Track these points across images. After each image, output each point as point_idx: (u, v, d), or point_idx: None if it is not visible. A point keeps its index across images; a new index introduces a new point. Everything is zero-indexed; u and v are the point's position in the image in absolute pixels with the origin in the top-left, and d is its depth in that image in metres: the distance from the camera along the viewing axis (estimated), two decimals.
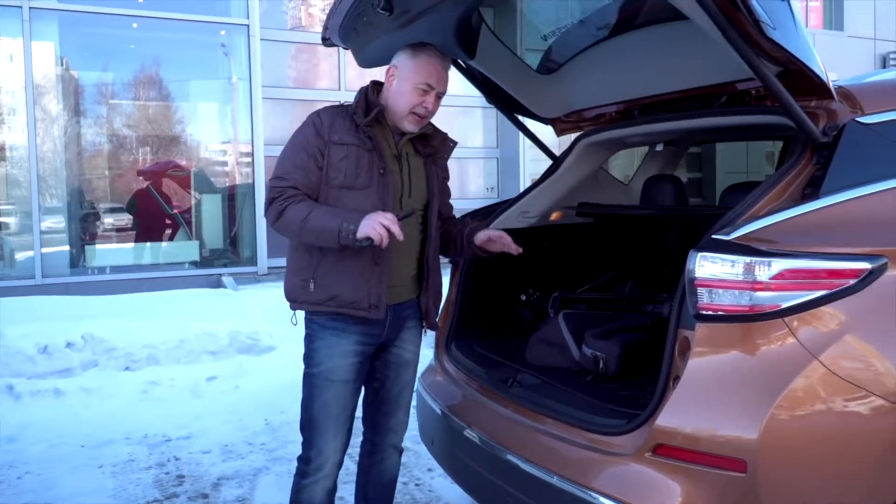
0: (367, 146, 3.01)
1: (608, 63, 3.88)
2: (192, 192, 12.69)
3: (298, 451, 3.18)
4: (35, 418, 5.81)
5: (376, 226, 2.75)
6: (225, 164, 13.54)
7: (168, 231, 12.66)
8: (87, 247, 11.77)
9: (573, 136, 4.38)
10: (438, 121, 3.31)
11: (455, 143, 3.35)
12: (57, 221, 11.52)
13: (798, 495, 2.37)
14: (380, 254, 2.97)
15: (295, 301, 3.11)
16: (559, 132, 4.56)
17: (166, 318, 8.11)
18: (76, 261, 11.56)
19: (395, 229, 2.77)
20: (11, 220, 11.49)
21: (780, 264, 2.38)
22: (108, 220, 12.38)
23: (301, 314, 3.15)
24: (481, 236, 3.27)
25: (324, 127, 3.01)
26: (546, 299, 4.07)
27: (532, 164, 14.01)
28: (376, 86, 3.18)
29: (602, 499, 2.53)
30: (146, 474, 4.84)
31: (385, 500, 3.48)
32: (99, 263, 11.65)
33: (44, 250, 10.96)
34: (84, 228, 11.90)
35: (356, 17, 3.38)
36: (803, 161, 2.71)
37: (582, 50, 3.99)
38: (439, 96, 3.11)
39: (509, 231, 3.38)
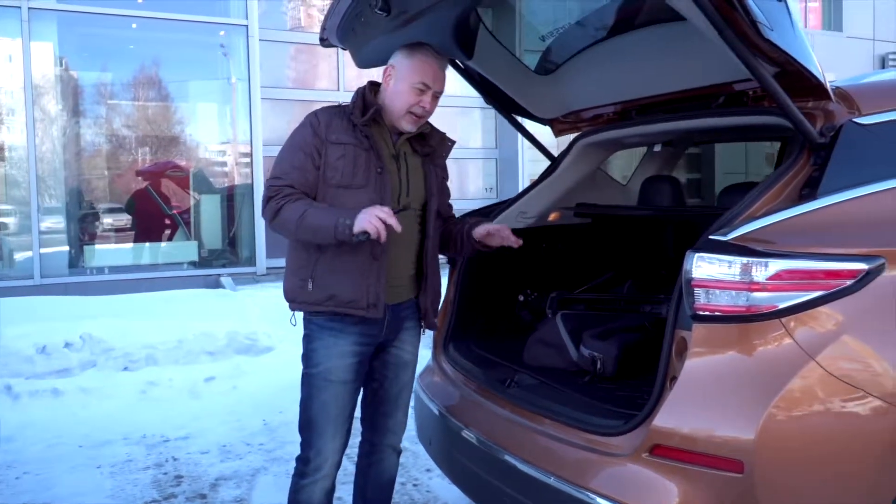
0: (364, 145, 3.01)
1: (606, 64, 3.88)
2: (191, 193, 12.70)
3: (297, 451, 3.18)
4: (33, 418, 5.80)
5: (372, 219, 2.74)
6: (224, 164, 13.56)
7: (167, 231, 12.68)
8: (85, 247, 11.79)
9: (571, 136, 4.37)
10: (437, 121, 3.31)
11: (453, 143, 3.35)
12: (56, 222, 11.54)
13: (795, 496, 2.37)
14: (377, 251, 2.97)
15: (294, 301, 3.11)
16: (557, 133, 4.56)
17: (165, 319, 8.11)
18: (75, 261, 11.58)
19: (392, 221, 2.77)
20: (10, 221, 11.50)
21: (777, 265, 2.38)
22: (107, 221, 12.40)
23: (300, 315, 3.15)
24: (480, 230, 3.28)
25: (321, 127, 3.02)
26: (544, 300, 4.07)
27: (531, 165, 14.03)
28: (373, 86, 3.19)
29: (599, 499, 2.53)
30: (144, 474, 4.84)
31: (383, 501, 3.48)
32: (98, 264, 11.66)
33: (42, 250, 10.97)
34: (83, 229, 11.92)
35: (354, 18, 3.38)
36: (801, 162, 2.71)
37: (580, 50, 3.99)
38: (436, 96, 3.11)
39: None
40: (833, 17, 19.02)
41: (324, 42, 3.71)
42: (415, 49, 3.11)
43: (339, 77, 13.41)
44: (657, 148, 4.93)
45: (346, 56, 3.94)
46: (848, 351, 2.40)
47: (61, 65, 11.97)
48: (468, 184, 14.79)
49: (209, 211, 12.74)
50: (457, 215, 3.52)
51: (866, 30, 19.03)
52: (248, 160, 12.42)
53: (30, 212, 10.88)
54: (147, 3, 11.70)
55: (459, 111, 13.79)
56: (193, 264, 12.22)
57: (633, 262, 4.74)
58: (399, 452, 3.46)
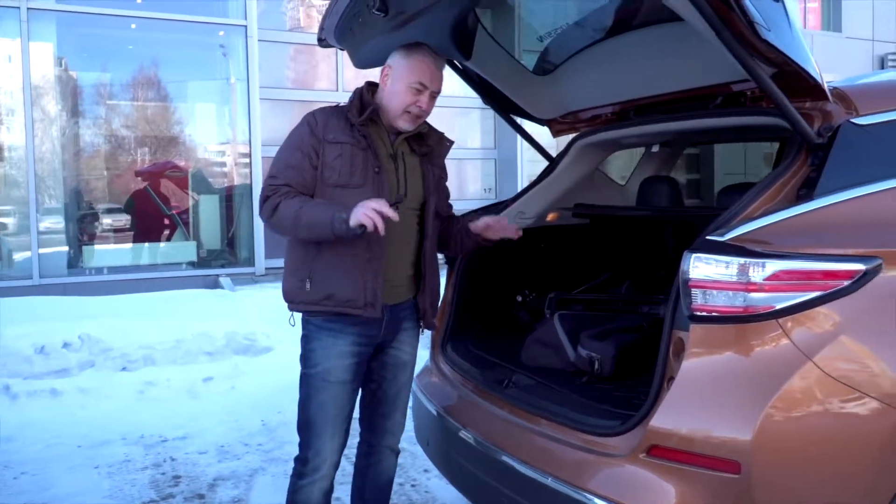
0: (361, 145, 3.02)
1: (604, 64, 3.88)
2: (190, 193, 12.70)
3: (295, 451, 3.18)
4: (32, 418, 5.79)
5: (368, 212, 2.73)
6: (223, 164, 13.57)
7: (166, 231, 12.69)
8: (84, 247, 11.79)
9: (569, 137, 4.37)
10: (436, 121, 3.32)
11: (451, 143, 3.35)
12: (55, 222, 11.54)
13: (792, 496, 2.36)
14: (375, 249, 2.98)
15: (292, 301, 3.11)
16: (555, 133, 4.56)
17: (163, 319, 8.12)
18: (74, 261, 11.59)
19: (388, 211, 2.76)
20: (9, 221, 11.51)
21: (774, 265, 2.38)
22: (106, 221, 12.40)
23: (299, 315, 3.16)
24: (479, 223, 3.29)
25: (318, 126, 3.02)
26: (542, 300, 4.06)
27: (530, 165, 14.03)
28: (371, 86, 3.20)
29: (596, 500, 2.53)
30: (142, 475, 4.84)
31: (381, 501, 3.48)
32: (96, 264, 11.67)
33: (41, 251, 10.98)
34: (82, 229, 11.93)
35: (352, 18, 3.38)
36: (798, 162, 2.71)
37: (578, 51, 3.99)
38: (433, 95, 3.12)
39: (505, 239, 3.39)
40: (832, 17, 19.03)
41: (322, 42, 3.71)
42: (412, 49, 3.12)
43: (338, 77, 13.41)
44: (655, 148, 4.93)
45: (345, 56, 3.94)
46: (845, 351, 2.40)
47: (60, 65, 11.98)
48: (467, 184, 14.80)
49: (208, 211, 12.74)
50: (456, 215, 3.52)
51: (865, 30, 19.04)
52: (247, 160, 12.42)
53: (29, 212, 10.88)
54: (146, 4, 11.70)
55: (458, 111, 13.79)
56: (192, 264, 12.23)
57: (632, 262, 4.74)
58: (397, 453, 3.46)
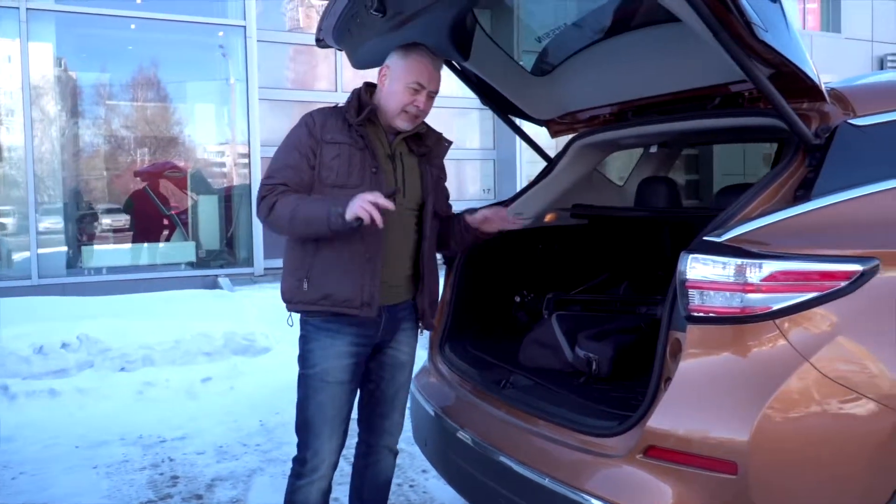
0: (359, 145, 3.02)
1: (602, 65, 3.88)
2: (189, 193, 12.71)
3: (293, 452, 3.18)
4: (30, 419, 5.80)
5: (364, 204, 2.73)
6: (222, 165, 13.57)
7: (165, 232, 12.69)
8: (83, 247, 11.79)
9: (568, 137, 4.37)
10: (435, 122, 3.32)
11: (450, 143, 3.36)
12: (54, 222, 11.55)
13: (789, 497, 2.37)
14: (372, 249, 2.98)
15: (290, 302, 3.11)
16: (553, 134, 4.56)
17: (162, 319, 8.12)
18: (73, 261, 11.59)
19: (384, 201, 2.76)
20: (8, 221, 11.51)
21: (771, 266, 2.38)
22: (105, 221, 12.41)
23: (297, 315, 3.16)
24: (478, 216, 3.28)
25: (316, 126, 3.03)
26: (540, 301, 4.06)
27: (529, 166, 14.04)
28: (369, 87, 3.20)
29: (594, 500, 2.53)
30: (140, 475, 4.84)
31: (379, 502, 3.48)
32: (95, 264, 11.67)
33: (40, 251, 10.98)
34: (81, 229, 11.93)
35: (350, 19, 3.38)
36: (795, 163, 2.71)
37: (576, 52, 3.99)
38: (431, 95, 3.12)
39: (504, 232, 3.38)
40: (831, 18, 19.03)
41: (320, 43, 3.72)
42: (410, 49, 3.12)
43: (337, 78, 13.41)
44: (653, 149, 4.94)
45: (344, 57, 3.95)
46: (842, 352, 2.40)
47: (59, 65, 11.98)
48: (466, 184, 14.81)
49: (207, 211, 12.75)
50: (455, 214, 3.51)
51: (865, 31, 19.05)
52: (246, 161, 12.43)
53: (28, 212, 10.89)
54: (145, 4, 11.70)
55: (457, 112, 13.80)
56: (191, 265, 12.23)
57: (630, 263, 4.74)
58: (396, 453, 3.46)
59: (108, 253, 12.03)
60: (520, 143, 13.79)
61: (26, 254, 11.00)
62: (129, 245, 12.33)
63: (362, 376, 3.23)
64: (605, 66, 3.87)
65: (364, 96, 3.13)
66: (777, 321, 2.37)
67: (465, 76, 4.14)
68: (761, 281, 2.37)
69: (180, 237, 12.61)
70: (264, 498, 4.45)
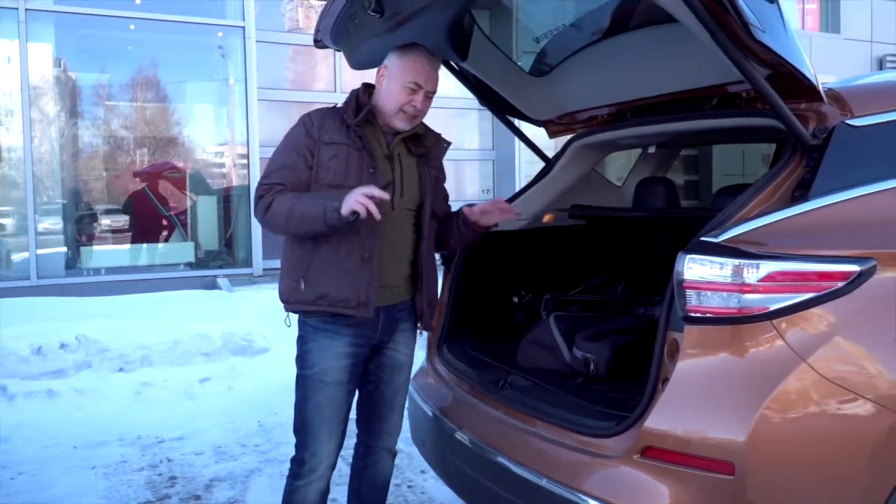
0: (356, 145, 3.02)
1: (600, 65, 3.88)
2: (188, 194, 12.70)
3: (291, 452, 3.18)
4: (28, 419, 5.80)
5: (359, 198, 2.73)
6: (221, 165, 13.57)
7: (164, 232, 12.69)
8: (82, 248, 11.79)
9: (566, 138, 4.38)
10: (434, 122, 3.32)
11: (448, 144, 3.35)
12: (53, 223, 11.55)
13: (787, 498, 2.37)
14: (369, 249, 2.99)
15: (288, 302, 3.11)
16: (552, 134, 4.56)
17: (160, 320, 8.12)
18: (72, 262, 11.59)
19: (379, 193, 2.76)
20: (7, 222, 11.51)
21: (768, 266, 2.38)
22: (104, 222, 12.39)
23: (295, 316, 3.16)
24: (476, 209, 3.26)
25: (314, 127, 3.03)
26: (538, 301, 4.07)
27: (528, 166, 14.03)
28: (368, 87, 3.20)
29: (591, 501, 2.53)
30: (139, 475, 4.84)
31: (378, 502, 3.48)
32: (94, 265, 11.67)
33: (39, 251, 10.98)
34: (80, 230, 11.92)
35: (348, 20, 3.38)
36: (793, 163, 2.71)
37: (574, 52, 3.99)
38: (428, 96, 3.12)
39: (502, 232, 3.38)
40: (831, 18, 19.03)
41: (318, 43, 3.72)
42: (407, 49, 3.13)
43: (336, 79, 13.40)
44: (652, 149, 4.94)
45: (343, 58, 3.95)
46: (839, 353, 2.40)
47: (58, 66, 11.97)
48: (465, 185, 14.80)
49: (206, 212, 12.75)
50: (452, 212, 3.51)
51: (864, 31, 19.04)
52: (245, 161, 12.42)
53: (27, 213, 10.88)
54: (144, 5, 11.70)
55: (456, 112, 13.79)
56: (190, 265, 12.23)
57: (628, 263, 4.74)
58: (394, 454, 3.46)
59: (107, 253, 12.03)
60: (519, 144, 13.73)
61: (25, 254, 11.00)
62: (127, 245, 12.32)
63: (361, 377, 3.23)
64: (604, 67, 3.87)
65: (362, 97, 3.13)
66: (774, 322, 2.37)
67: (463, 77, 4.14)
68: (758, 281, 2.37)
69: (179, 238, 12.60)
70: (262, 498, 4.46)
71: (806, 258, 2.43)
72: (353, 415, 3.26)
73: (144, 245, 12.45)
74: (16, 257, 11.23)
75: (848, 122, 2.78)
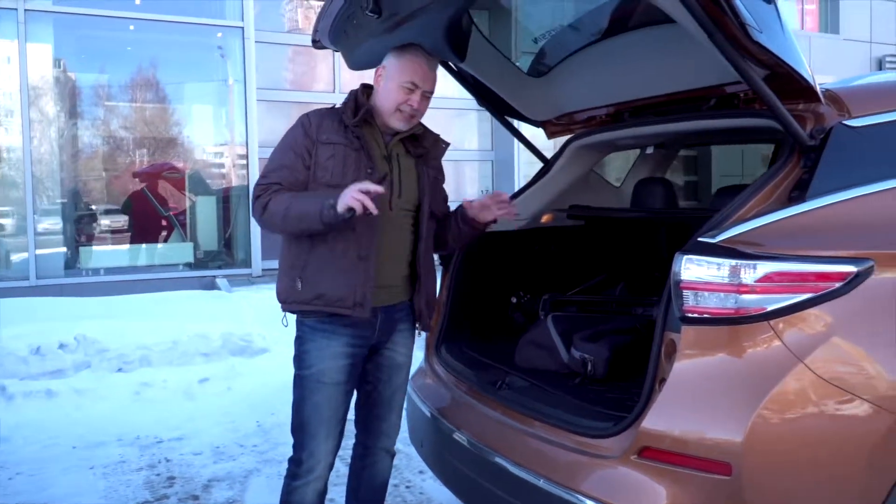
0: (354, 146, 3.03)
1: (598, 66, 3.88)
2: (187, 194, 12.71)
3: (290, 453, 3.18)
4: (27, 419, 5.80)
5: (354, 194, 2.74)
6: (220, 165, 13.57)
7: (163, 233, 12.70)
8: (81, 248, 11.79)
9: (564, 138, 4.38)
10: (434, 123, 3.32)
11: (447, 145, 3.35)
12: (52, 223, 11.55)
13: (783, 498, 2.37)
14: (366, 248, 2.99)
15: (285, 302, 3.12)
16: (550, 135, 4.56)
17: (159, 320, 8.13)
18: (71, 262, 11.60)
19: (373, 187, 2.77)
20: (7, 222, 11.51)
21: (765, 267, 2.38)
22: (103, 222, 12.40)
23: (292, 316, 3.16)
24: (476, 204, 3.25)
25: (312, 127, 3.04)
26: (536, 302, 4.07)
27: (526, 167, 14.03)
28: (366, 88, 3.21)
29: (588, 502, 2.53)
30: (137, 475, 4.84)
31: (376, 503, 3.48)
32: (93, 265, 11.67)
33: (38, 251, 10.99)
34: (79, 230, 11.93)
35: (346, 20, 3.39)
36: (790, 164, 2.71)
37: (572, 53, 4.00)
38: (426, 95, 3.12)
39: (501, 233, 3.38)
40: (830, 19, 19.03)
41: (316, 44, 3.72)
42: (405, 49, 3.14)
43: (335, 79, 13.40)
44: (650, 150, 4.94)
45: (342, 58, 3.95)
46: (836, 353, 2.40)
47: (58, 66, 11.98)
48: (464, 185, 14.81)
49: (205, 212, 12.75)
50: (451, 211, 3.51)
51: (863, 32, 19.04)
52: (244, 162, 12.42)
53: (26, 213, 10.89)
54: (144, 5, 11.71)
55: (456, 113, 13.79)
56: (189, 266, 12.24)
57: (626, 264, 4.74)
58: (393, 455, 3.46)
59: (106, 254, 12.03)
60: (518, 145, 13.69)
61: (24, 254, 11.00)
62: (127, 246, 12.32)
63: (359, 378, 3.24)
64: (602, 68, 3.87)
65: (361, 97, 3.14)
66: (771, 322, 2.37)
67: (461, 77, 4.14)
68: (756, 282, 2.37)
69: (178, 238, 12.61)
70: (261, 499, 4.46)
71: (803, 259, 2.43)
72: (351, 415, 3.25)
73: (143, 245, 12.46)
74: (15, 257, 11.24)
75: (845, 122, 2.78)
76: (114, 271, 11.63)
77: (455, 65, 3.99)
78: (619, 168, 8.79)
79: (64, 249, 11.60)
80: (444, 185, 3.44)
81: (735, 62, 2.56)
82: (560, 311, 3.92)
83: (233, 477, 4.79)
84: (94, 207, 12.35)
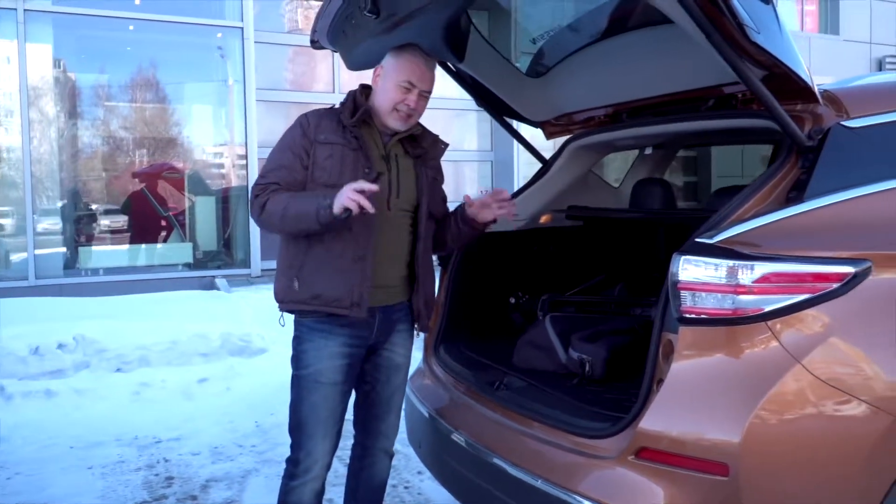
0: (352, 146, 3.03)
1: (597, 66, 3.88)
2: (187, 194, 12.70)
3: (288, 453, 3.18)
4: (26, 419, 5.80)
5: (349, 194, 2.74)
6: (219, 166, 13.56)
7: (162, 233, 12.69)
8: (81, 248, 11.79)
9: (563, 139, 4.38)
10: (433, 123, 3.32)
11: (446, 145, 3.36)
12: (51, 223, 11.54)
13: (781, 499, 2.37)
14: (363, 248, 2.99)
15: (282, 301, 3.12)
16: (549, 135, 4.56)
17: (158, 320, 8.12)
18: (70, 262, 11.59)
19: (368, 186, 2.76)
20: (6, 222, 11.50)
21: (762, 268, 2.38)
22: (103, 222, 12.40)
23: (290, 316, 3.16)
24: (476, 203, 3.25)
25: (310, 127, 3.04)
26: (535, 302, 4.07)
27: (526, 167, 14.01)
28: (365, 89, 3.21)
29: (586, 502, 2.53)
30: (136, 476, 4.84)
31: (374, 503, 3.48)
32: (93, 265, 11.67)
33: (37, 252, 10.99)
34: (78, 230, 11.92)
35: (344, 20, 3.39)
36: (788, 164, 2.71)
37: (571, 53, 4.00)
38: (423, 95, 3.12)
39: (499, 233, 3.37)
40: (830, 20, 19.02)
41: (315, 44, 3.72)
42: (403, 48, 3.14)
43: (334, 79, 13.40)
44: (648, 150, 4.94)
45: (341, 58, 3.95)
46: (834, 354, 2.40)
47: (57, 67, 11.97)
48: (463, 186, 14.79)
49: (204, 213, 12.74)
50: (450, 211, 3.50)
51: (863, 33, 19.04)
52: (243, 162, 12.41)
53: (25, 213, 10.88)
54: (143, 5, 11.70)
55: (455, 113, 13.79)
56: (188, 266, 12.23)
57: (625, 264, 4.74)
58: (391, 456, 3.45)
59: (105, 254, 12.03)
60: (517, 145, 13.74)
61: (24, 254, 11.00)
62: (126, 246, 12.32)
63: (358, 378, 3.24)
64: (600, 68, 3.87)
65: (359, 98, 3.14)
66: (769, 323, 2.37)
67: (460, 77, 4.14)
68: (753, 283, 2.37)
69: (178, 238, 12.60)
70: (259, 499, 4.46)
71: (801, 259, 2.43)
72: (349, 416, 3.25)
73: (143, 245, 12.46)
74: (14, 257, 11.24)
75: (843, 123, 2.78)
76: (113, 271, 11.62)
77: (454, 65, 3.99)
78: (617, 169, 8.79)
79: (63, 249, 11.59)
80: (444, 186, 3.44)
81: (733, 63, 2.56)
82: (558, 311, 3.92)
83: (231, 477, 4.79)
84: (93, 207, 12.34)
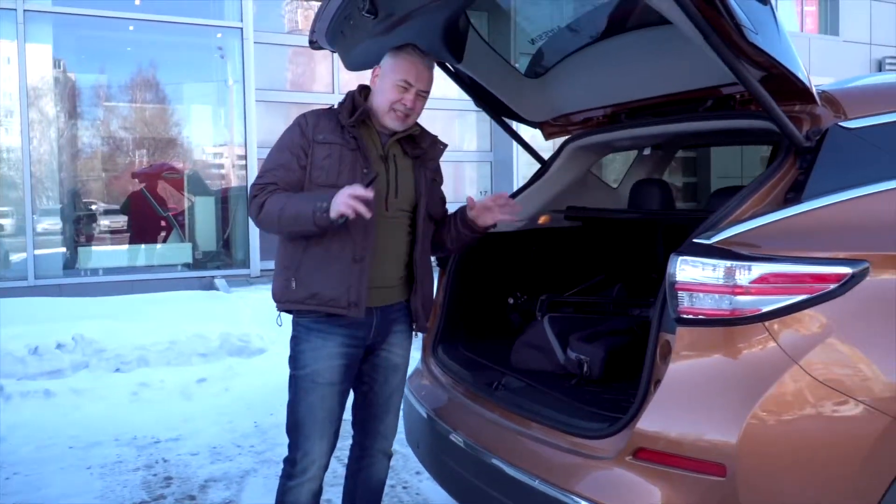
0: (350, 146, 3.03)
1: (595, 67, 3.89)
2: (186, 195, 12.70)
3: (287, 453, 3.18)
4: (25, 419, 5.81)
5: (347, 199, 2.74)
6: (219, 166, 13.57)
7: (161, 233, 12.70)
8: (80, 248, 11.80)
9: (562, 139, 4.38)
10: (432, 124, 3.32)
11: (445, 146, 3.35)
12: (51, 223, 11.55)
13: (778, 499, 2.36)
14: (360, 248, 2.98)
15: (280, 301, 3.12)
16: (547, 136, 4.56)
17: (157, 320, 8.12)
18: (70, 262, 11.60)
19: (362, 192, 2.76)
20: (5, 222, 11.51)
21: (760, 268, 2.38)
22: (102, 222, 12.42)
23: (287, 316, 3.16)
24: (478, 204, 3.23)
25: (308, 127, 3.04)
26: (533, 303, 4.07)
27: (525, 168, 14.03)
28: (364, 89, 3.21)
29: (583, 503, 2.53)
30: (134, 476, 4.84)
31: None
32: (92, 265, 11.67)
33: (37, 252, 10.99)
34: (78, 230, 11.93)
35: (343, 21, 3.39)
36: (786, 165, 2.71)
37: (569, 53, 4.00)
38: (420, 94, 3.12)
39: (498, 234, 3.37)
40: (829, 20, 19.02)
41: (313, 44, 3.72)
42: (400, 48, 3.14)
43: (334, 80, 13.41)
44: (647, 151, 4.94)
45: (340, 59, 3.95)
46: (831, 355, 2.40)
47: (57, 67, 11.98)
48: (463, 186, 14.80)
49: (204, 213, 12.75)
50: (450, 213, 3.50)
51: (863, 34, 19.04)
52: (243, 162, 12.42)
53: (25, 213, 10.88)
54: (143, 6, 11.71)
55: (455, 114, 13.80)
56: (187, 266, 12.23)
57: (624, 265, 4.74)
58: (390, 456, 3.45)
59: (104, 254, 12.04)
60: (517, 146, 13.76)
61: (23, 255, 11.00)
62: (125, 246, 12.33)
63: (356, 378, 3.23)
64: (599, 69, 3.87)
65: (358, 98, 3.14)
66: (766, 323, 2.37)
67: (458, 78, 4.14)
68: (750, 283, 2.37)
69: (177, 238, 12.61)
70: (257, 499, 4.46)
71: (798, 260, 2.43)
72: (348, 416, 3.25)
73: (142, 246, 12.46)
74: (14, 257, 11.24)
75: (841, 124, 2.78)
76: (112, 272, 11.62)
77: (452, 66, 3.99)
78: (616, 169, 8.79)
79: (63, 250, 11.61)
80: (443, 187, 3.43)
81: (730, 63, 2.56)
82: (557, 312, 3.92)
83: (230, 477, 4.79)
84: (93, 208, 12.35)
